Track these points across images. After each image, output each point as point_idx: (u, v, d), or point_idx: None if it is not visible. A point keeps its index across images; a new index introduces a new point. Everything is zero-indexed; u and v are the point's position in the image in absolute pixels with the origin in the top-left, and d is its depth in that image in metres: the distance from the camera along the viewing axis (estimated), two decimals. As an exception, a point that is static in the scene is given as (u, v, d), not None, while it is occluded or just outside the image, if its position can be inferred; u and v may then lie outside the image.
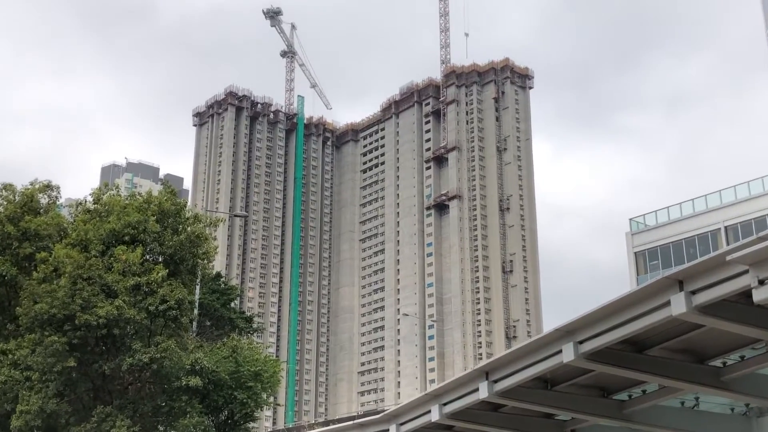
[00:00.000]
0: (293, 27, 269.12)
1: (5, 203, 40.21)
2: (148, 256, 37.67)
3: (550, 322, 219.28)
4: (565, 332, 17.26)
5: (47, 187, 41.57)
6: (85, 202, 41.91)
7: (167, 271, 37.05)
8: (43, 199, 41.45)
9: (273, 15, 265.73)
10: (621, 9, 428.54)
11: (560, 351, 17.53)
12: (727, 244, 68.36)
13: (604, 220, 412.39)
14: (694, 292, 12.79)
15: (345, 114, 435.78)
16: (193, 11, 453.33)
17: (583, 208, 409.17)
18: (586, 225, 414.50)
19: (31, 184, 41.52)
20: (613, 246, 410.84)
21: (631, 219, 76.62)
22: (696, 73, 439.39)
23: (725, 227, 69.52)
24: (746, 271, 10.26)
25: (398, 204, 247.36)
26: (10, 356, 36.14)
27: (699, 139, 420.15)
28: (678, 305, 13.68)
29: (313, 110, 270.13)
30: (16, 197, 40.61)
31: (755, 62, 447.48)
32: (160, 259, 39.48)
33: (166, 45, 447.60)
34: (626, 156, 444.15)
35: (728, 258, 8.77)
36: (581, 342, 17.06)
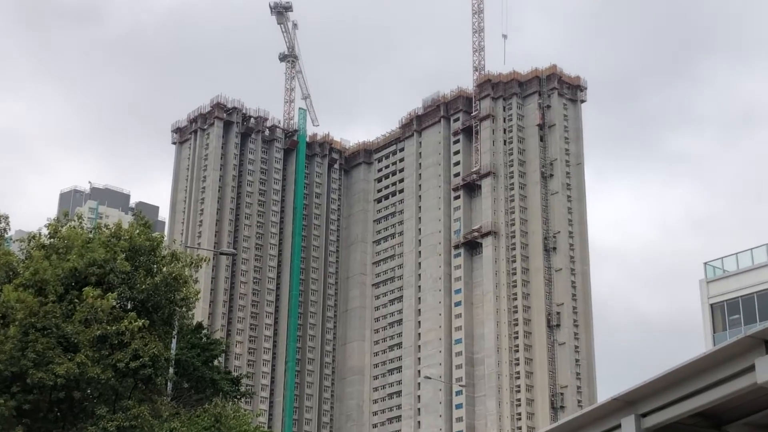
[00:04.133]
0: (294, 26, 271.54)
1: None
2: (115, 302, 37.88)
3: (603, 390, 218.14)
4: (625, 402, 17.22)
5: (-8, 217, 41.90)
6: (40, 235, 42.25)
7: (144, 321, 37.19)
8: (-12, 232, 41.77)
9: (282, 10, 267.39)
10: (668, 10, 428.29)
11: (619, 426, 17.48)
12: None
13: (654, 264, 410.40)
14: (784, 355, 12.78)
15: (356, 131, 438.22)
16: (168, 10, 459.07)
17: (628, 248, 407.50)
18: (633, 269, 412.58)
19: (-29, 213, 41.83)
20: (667, 295, 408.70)
21: (706, 263, 76.36)
22: (760, 87, 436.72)
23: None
24: None
25: (420, 241, 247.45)
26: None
27: (765, 165, 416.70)
28: (765, 370, 13.66)
29: (318, 126, 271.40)
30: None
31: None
32: (129, 306, 39.69)
33: (134, 50, 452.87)
34: (678, 185, 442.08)
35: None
36: (645, 415, 17.02)
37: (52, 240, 41.35)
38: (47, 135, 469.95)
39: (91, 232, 43.26)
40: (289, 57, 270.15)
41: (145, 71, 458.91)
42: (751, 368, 14.65)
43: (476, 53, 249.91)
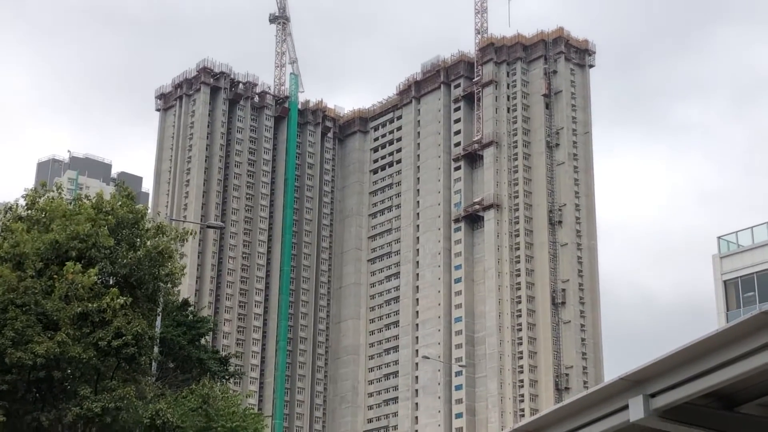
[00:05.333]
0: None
1: None
2: (97, 278, 37.92)
3: (610, 371, 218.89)
4: (633, 382, 17.29)
5: (-33, 187, 41.89)
6: (17, 206, 42.20)
7: (126, 298, 37.23)
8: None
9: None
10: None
11: (626, 407, 17.55)
12: None
13: (660, 239, 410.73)
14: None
15: (350, 98, 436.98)
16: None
17: (633, 223, 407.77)
18: (638, 244, 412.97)
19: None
20: (674, 272, 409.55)
21: (719, 237, 76.45)
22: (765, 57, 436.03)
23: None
24: None
25: (418, 214, 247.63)
26: None
27: None
28: (780, 349, 13.74)
29: (311, 91, 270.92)
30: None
31: None
32: (111, 281, 39.74)
33: (114, 11, 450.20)
34: (686, 157, 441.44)
35: None
36: (653, 395, 17.09)
37: (29, 211, 41.33)
38: (22, 101, 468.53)
39: (70, 203, 43.23)
40: (280, 18, 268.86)
41: (127, 34, 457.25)
42: (767, 346, 14.73)
43: (478, 15, 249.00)
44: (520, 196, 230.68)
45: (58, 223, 38.97)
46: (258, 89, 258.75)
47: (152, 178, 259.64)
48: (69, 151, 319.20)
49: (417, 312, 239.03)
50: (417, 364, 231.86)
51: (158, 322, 42.99)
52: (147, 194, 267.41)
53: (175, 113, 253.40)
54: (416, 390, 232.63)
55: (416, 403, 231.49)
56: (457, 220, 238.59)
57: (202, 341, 53.99)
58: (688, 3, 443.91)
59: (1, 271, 36.47)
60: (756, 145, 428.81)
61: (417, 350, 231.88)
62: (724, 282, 74.29)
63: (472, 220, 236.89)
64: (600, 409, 18.65)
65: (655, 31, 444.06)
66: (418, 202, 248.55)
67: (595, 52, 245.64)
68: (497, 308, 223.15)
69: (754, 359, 15.10)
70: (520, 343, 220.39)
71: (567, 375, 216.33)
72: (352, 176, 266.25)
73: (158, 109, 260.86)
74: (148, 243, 40.56)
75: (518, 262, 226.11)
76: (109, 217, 39.94)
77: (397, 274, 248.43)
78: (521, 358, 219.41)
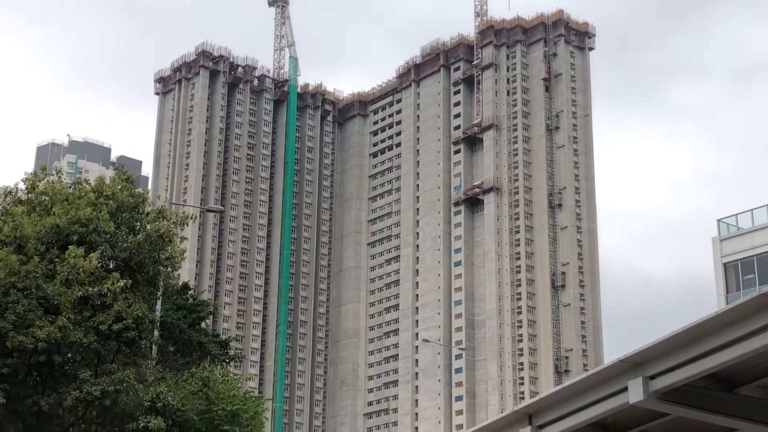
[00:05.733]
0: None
1: None
2: (98, 262, 37.95)
3: (610, 354, 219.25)
4: (633, 364, 17.30)
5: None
6: (17, 190, 42.20)
7: (126, 282, 37.26)
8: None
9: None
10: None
11: (625, 389, 17.55)
12: None
13: (659, 222, 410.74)
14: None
15: (350, 81, 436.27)
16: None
17: (631, 205, 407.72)
18: (636, 227, 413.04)
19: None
20: (673, 255, 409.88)
21: (719, 220, 76.46)
22: (765, 38, 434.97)
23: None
24: None
25: (418, 198, 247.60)
26: None
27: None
28: (780, 330, 13.75)
29: (310, 75, 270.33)
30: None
31: None
32: (112, 265, 39.76)
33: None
34: (684, 139, 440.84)
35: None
36: (653, 377, 17.09)
37: (29, 195, 41.35)
38: (22, 85, 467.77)
39: (71, 187, 43.23)
40: (279, 2, 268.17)
41: (126, 17, 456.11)
42: (766, 328, 14.74)
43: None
44: (520, 179, 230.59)
45: (59, 207, 38.97)
46: (257, 73, 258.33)
47: (152, 161, 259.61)
48: (68, 134, 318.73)
49: (417, 295, 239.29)
50: (417, 347, 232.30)
51: (158, 306, 43.05)
52: (147, 178, 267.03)
53: (174, 97, 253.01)
54: (416, 373, 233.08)
55: (416, 386, 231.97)
56: (456, 204, 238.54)
57: (203, 325, 54.07)
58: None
59: (2, 255, 36.49)
60: (753, 126, 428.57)
61: (417, 333, 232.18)
62: (724, 264, 74.32)
63: (472, 203, 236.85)
64: (599, 391, 18.68)
65: (652, 12, 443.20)
66: (417, 185, 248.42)
67: (594, 35, 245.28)
68: (497, 291, 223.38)
69: (753, 341, 15.13)
70: (520, 326, 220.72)
71: (567, 358, 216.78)
72: (352, 160, 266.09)
73: (157, 93, 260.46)
74: (148, 227, 40.57)
75: (518, 245, 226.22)
76: (110, 201, 39.95)
77: (397, 258, 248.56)
78: (521, 341, 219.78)
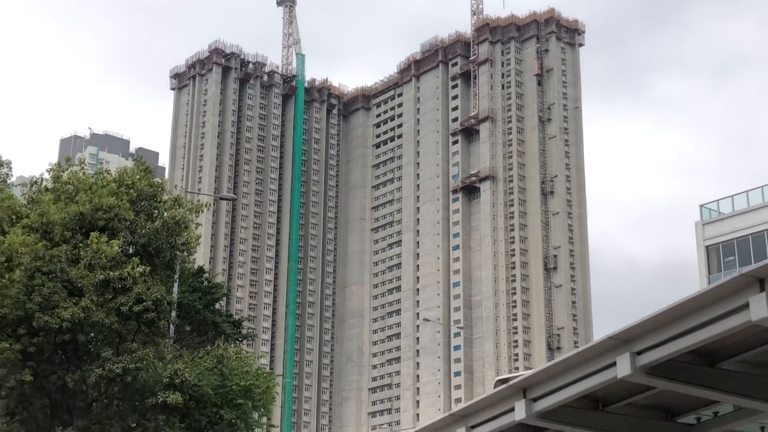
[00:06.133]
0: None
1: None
2: (119, 247, 37.98)
3: (599, 332, 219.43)
4: (621, 341, 17.30)
5: (-5, 162, 41.92)
6: (42, 180, 42.20)
7: (145, 267, 37.30)
8: (-9, 177, 41.76)
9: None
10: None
11: (614, 363, 17.56)
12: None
13: (644, 208, 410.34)
14: (778, 294, 12.86)
15: (354, 76, 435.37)
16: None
17: (620, 192, 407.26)
18: (623, 213, 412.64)
19: (-25, 159, 41.80)
20: (657, 239, 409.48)
21: (702, 206, 76.39)
22: (744, 34, 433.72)
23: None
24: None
25: (418, 186, 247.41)
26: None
27: (749, 110, 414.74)
28: (759, 308, 13.73)
29: (316, 71, 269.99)
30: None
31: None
32: (131, 251, 39.81)
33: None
34: (667, 129, 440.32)
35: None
36: (640, 353, 17.10)
37: (55, 185, 41.38)
38: (45, 81, 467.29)
39: (93, 177, 43.21)
40: (287, 1, 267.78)
41: (143, 17, 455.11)
42: (745, 306, 14.72)
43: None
44: (514, 168, 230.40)
45: (83, 195, 38.98)
46: (267, 69, 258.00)
47: (168, 153, 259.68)
48: (89, 128, 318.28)
49: (417, 277, 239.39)
50: (418, 326, 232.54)
51: (175, 288, 43.07)
52: (163, 168, 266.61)
53: (188, 92, 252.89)
54: (417, 350, 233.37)
55: (417, 363, 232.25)
56: (455, 191, 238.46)
57: (217, 306, 54.06)
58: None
59: (28, 241, 36.52)
60: (731, 117, 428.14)
61: (418, 313, 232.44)
62: (707, 247, 74.27)
63: (469, 191, 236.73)
64: (589, 366, 18.69)
65: (638, 10, 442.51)
66: (418, 174, 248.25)
67: (584, 32, 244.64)
68: (493, 273, 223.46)
69: (733, 318, 15.13)
70: (515, 306, 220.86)
71: (558, 335, 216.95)
72: (356, 150, 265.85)
73: (173, 88, 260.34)
74: (166, 214, 40.57)
75: (512, 230, 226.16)
76: (130, 190, 39.99)
77: (398, 242, 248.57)
78: (515, 320, 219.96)
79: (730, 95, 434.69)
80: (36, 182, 42.04)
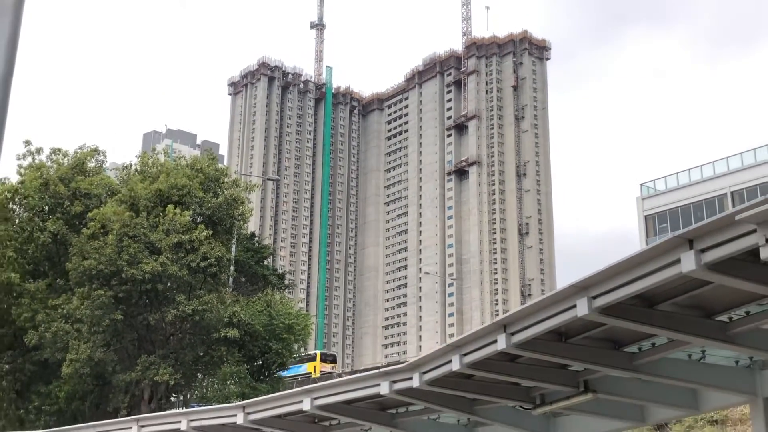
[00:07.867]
0: (321, 1, 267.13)
1: (56, 166, 40.68)
2: (189, 217, 38.07)
3: (562, 282, 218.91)
4: (580, 288, 17.25)
5: (95, 151, 42.03)
6: (131, 165, 42.41)
7: (209, 232, 37.40)
8: (91, 163, 41.90)
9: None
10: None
11: (575, 305, 17.49)
12: (734, 207, 67.69)
13: (597, 186, 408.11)
14: (703, 251, 12.76)
15: (370, 84, 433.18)
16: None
17: (580, 172, 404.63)
18: (581, 189, 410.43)
19: (80, 148, 41.92)
20: (606, 211, 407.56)
21: (641, 184, 76.04)
22: (672, 48, 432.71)
23: (732, 192, 68.85)
24: (754, 231, 10.22)
25: (421, 169, 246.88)
26: (60, 310, 36.75)
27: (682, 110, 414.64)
28: (688, 263, 13.64)
29: (341, 80, 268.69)
30: (68, 160, 41.07)
31: (732, 34, 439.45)
32: (199, 220, 39.92)
33: (196, 16, 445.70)
34: (615, 122, 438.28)
35: (737, 218, 8.72)
36: (595, 297, 17.01)
37: (143, 168, 41.56)
38: (132, 87, 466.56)
39: (172, 162, 43.37)
40: (318, 25, 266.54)
41: (205, 34, 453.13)
42: (678, 261, 14.65)
43: (464, 22, 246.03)
44: (495, 155, 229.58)
45: (162, 177, 39.10)
46: (302, 78, 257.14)
47: (227, 145, 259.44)
48: (165, 124, 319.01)
49: (420, 240, 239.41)
50: (420, 278, 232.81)
51: (233, 249, 43.21)
52: (223, 156, 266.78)
53: (242, 97, 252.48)
54: (420, 297, 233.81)
55: (420, 306, 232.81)
56: (449, 174, 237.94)
57: (265, 262, 54.26)
58: (605, 3, 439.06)
59: (119, 212, 36.64)
60: (662, 112, 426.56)
61: (420, 268, 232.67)
62: (645, 217, 74.08)
63: (460, 173, 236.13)
64: (555, 308, 18.67)
65: (588, 30, 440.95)
66: (420, 160, 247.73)
67: (550, 48, 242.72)
68: (478, 237, 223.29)
69: (668, 270, 15.07)
70: (495, 263, 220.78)
71: (530, 285, 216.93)
72: (372, 142, 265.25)
73: (229, 94, 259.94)
74: (226, 192, 40.64)
75: (494, 204, 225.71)
76: (200, 174, 40.10)
77: (405, 213, 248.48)
78: (496, 273, 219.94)
79: (659, 96, 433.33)
80: (127, 167, 42.23)
